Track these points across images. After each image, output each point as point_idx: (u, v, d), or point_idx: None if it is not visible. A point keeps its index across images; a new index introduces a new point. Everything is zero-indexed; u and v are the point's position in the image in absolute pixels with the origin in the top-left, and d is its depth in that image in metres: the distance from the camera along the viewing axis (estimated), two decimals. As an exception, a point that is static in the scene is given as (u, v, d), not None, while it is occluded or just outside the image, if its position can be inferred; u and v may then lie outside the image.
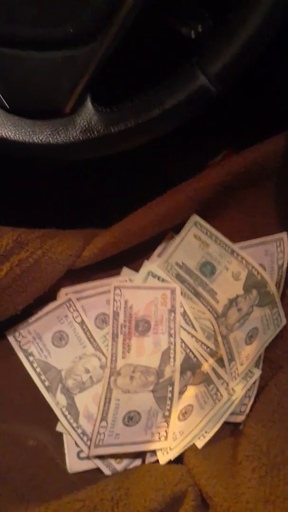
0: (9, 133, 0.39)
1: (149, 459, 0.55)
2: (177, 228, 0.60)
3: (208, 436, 0.55)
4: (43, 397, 0.56)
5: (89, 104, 0.39)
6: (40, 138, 0.39)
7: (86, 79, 0.38)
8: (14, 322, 0.56)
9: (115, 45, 0.38)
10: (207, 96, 0.40)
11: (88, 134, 0.39)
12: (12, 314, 0.52)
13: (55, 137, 0.39)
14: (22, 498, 0.48)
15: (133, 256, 0.60)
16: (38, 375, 0.56)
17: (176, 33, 0.43)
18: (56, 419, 0.56)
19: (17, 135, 0.39)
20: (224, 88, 0.40)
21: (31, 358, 0.56)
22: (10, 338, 0.56)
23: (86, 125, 0.39)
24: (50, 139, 0.39)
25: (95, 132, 0.39)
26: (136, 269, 0.61)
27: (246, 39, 0.38)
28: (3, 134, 0.38)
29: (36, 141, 0.39)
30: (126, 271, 0.61)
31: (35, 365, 0.56)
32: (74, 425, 0.55)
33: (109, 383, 0.55)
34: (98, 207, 0.69)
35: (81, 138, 0.39)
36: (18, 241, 0.49)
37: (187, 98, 0.40)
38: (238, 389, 0.56)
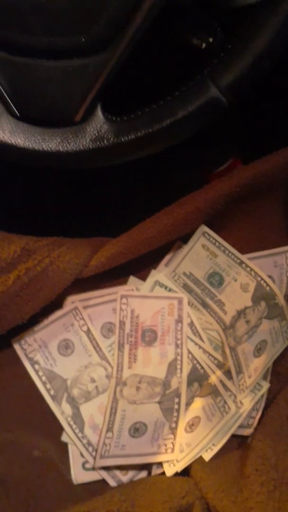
0: (19, 140, 0.39)
1: (155, 471, 0.54)
2: (185, 238, 0.60)
3: (216, 449, 0.54)
4: (48, 406, 0.55)
5: (99, 113, 0.39)
6: (50, 146, 0.39)
7: (97, 88, 0.38)
8: (20, 330, 0.55)
9: (127, 56, 0.38)
10: (219, 107, 0.40)
11: (98, 143, 0.39)
12: (18, 323, 0.51)
13: (65, 145, 0.39)
14: (27, 508, 0.47)
15: (140, 265, 0.60)
16: (44, 383, 0.55)
17: (187, 45, 0.43)
18: (61, 429, 0.55)
19: (26, 143, 0.39)
20: (236, 99, 0.40)
21: (36, 367, 0.56)
22: (16, 346, 0.56)
23: (96, 134, 0.39)
24: (60, 147, 0.39)
25: (105, 141, 0.39)
26: (143, 278, 0.61)
27: (258, 53, 0.38)
28: (13, 141, 0.38)
29: (45, 149, 0.39)
30: (133, 280, 0.61)
31: (40, 373, 0.56)
32: (80, 435, 0.55)
33: (115, 393, 0.55)
34: (106, 216, 0.69)
35: (91, 147, 0.39)
36: (26, 249, 0.49)
37: (199, 109, 0.40)
38: (246, 402, 0.56)
